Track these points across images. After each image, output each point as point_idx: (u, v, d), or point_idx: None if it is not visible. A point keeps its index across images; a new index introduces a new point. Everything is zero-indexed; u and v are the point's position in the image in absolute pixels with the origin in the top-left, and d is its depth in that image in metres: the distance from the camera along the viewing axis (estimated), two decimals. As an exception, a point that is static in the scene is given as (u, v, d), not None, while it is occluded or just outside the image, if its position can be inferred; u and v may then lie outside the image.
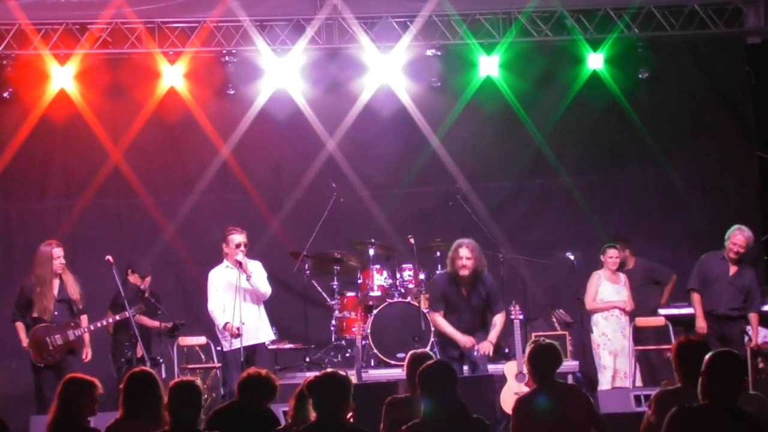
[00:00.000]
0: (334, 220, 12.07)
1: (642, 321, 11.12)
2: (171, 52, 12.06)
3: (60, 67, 11.92)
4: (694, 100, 12.97)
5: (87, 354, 9.97)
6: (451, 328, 9.67)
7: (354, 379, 9.39)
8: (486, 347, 9.63)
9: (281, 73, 12.26)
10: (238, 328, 9.73)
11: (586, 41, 12.44)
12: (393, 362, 10.81)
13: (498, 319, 9.77)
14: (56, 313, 9.87)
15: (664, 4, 12.39)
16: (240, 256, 9.90)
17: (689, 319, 10.54)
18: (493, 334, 9.73)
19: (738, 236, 10.13)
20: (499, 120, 12.79)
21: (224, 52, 12.12)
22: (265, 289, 10.09)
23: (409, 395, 6.65)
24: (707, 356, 4.95)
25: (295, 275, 11.78)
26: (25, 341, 9.85)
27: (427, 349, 9.79)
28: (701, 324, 10.14)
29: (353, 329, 10.86)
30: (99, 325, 10.08)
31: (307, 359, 11.26)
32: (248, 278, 9.89)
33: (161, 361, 10.56)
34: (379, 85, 12.48)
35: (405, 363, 6.95)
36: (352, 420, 6.61)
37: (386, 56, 12.33)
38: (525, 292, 12.13)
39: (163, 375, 10.37)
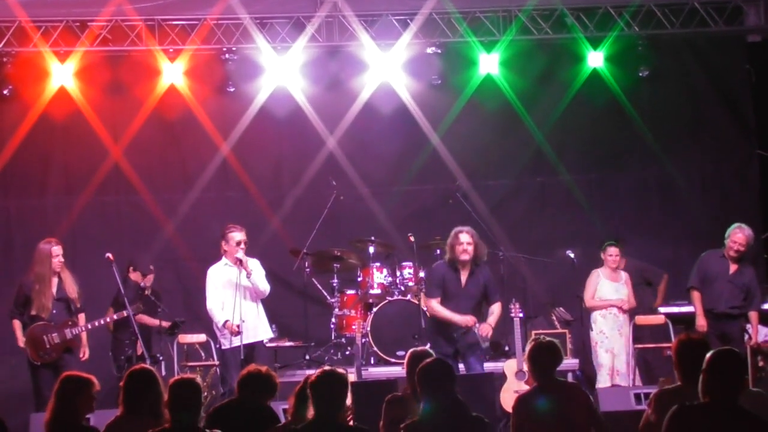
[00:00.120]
0: (334, 217, 12.08)
1: (642, 319, 11.12)
2: (171, 50, 12.06)
3: (60, 64, 11.92)
4: (694, 99, 12.97)
5: (84, 353, 9.95)
6: (449, 312, 9.66)
7: (354, 377, 9.45)
8: (486, 329, 9.63)
9: (281, 71, 12.26)
10: (238, 326, 9.73)
11: (586, 39, 12.44)
12: (393, 360, 10.82)
13: (496, 308, 9.79)
14: (54, 311, 9.84)
15: (664, 2, 12.40)
16: (240, 254, 9.89)
17: (689, 318, 10.53)
18: (492, 319, 9.73)
19: (738, 234, 10.12)
20: (499, 118, 12.79)
21: (224, 49, 12.11)
22: (264, 286, 10.08)
23: (409, 393, 6.64)
24: (708, 354, 4.95)
25: (295, 273, 11.79)
26: (21, 340, 9.81)
27: (427, 347, 9.77)
28: (701, 322, 10.13)
29: (353, 327, 10.85)
30: (97, 324, 10.06)
31: (307, 357, 11.26)
32: (248, 276, 9.88)
33: (161, 358, 10.55)
34: (380, 83, 12.48)
35: (405, 361, 6.95)
36: (352, 418, 6.63)
37: (386, 54, 12.33)
38: (525, 290, 12.13)
39: (163, 372, 10.37)
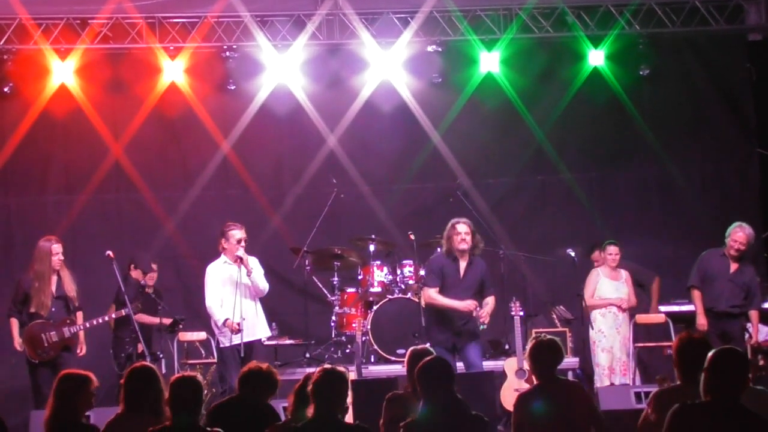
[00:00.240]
0: (334, 215, 12.07)
1: (642, 318, 11.12)
2: (172, 48, 12.05)
3: (60, 61, 11.92)
4: (694, 97, 12.96)
5: (81, 348, 9.94)
6: (449, 300, 9.70)
7: (354, 375, 9.44)
8: (484, 316, 9.65)
9: (282, 69, 12.25)
10: (238, 324, 9.72)
11: (587, 38, 12.43)
12: (393, 358, 10.81)
13: (490, 300, 9.84)
14: (53, 309, 9.83)
15: (665, 0, 12.39)
16: (241, 252, 9.88)
17: (690, 316, 10.53)
18: (488, 309, 9.76)
19: (739, 233, 10.12)
20: (499, 116, 12.78)
21: (225, 47, 12.11)
22: (263, 285, 10.08)
23: (409, 391, 6.64)
24: (710, 353, 4.94)
25: (295, 271, 11.78)
26: (17, 341, 9.80)
27: (427, 345, 9.76)
28: (702, 321, 10.12)
29: (353, 325, 10.84)
30: (95, 322, 10.04)
31: (307, 355, 11.26)
32: (249, 274, 9.88)
33: (161, 356, 10.53)
34: (380, 81, 12.47)
35: (405, 359, 6.94)
36: (352, 416, 6.62)
37: (387, 52, 12.32)
38: (525, 288, 12.12)
39: (164, 370, 10.34)
